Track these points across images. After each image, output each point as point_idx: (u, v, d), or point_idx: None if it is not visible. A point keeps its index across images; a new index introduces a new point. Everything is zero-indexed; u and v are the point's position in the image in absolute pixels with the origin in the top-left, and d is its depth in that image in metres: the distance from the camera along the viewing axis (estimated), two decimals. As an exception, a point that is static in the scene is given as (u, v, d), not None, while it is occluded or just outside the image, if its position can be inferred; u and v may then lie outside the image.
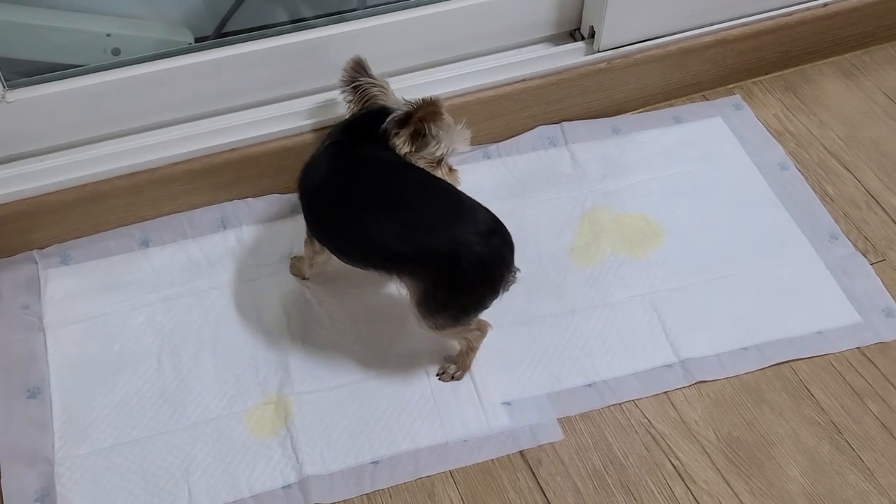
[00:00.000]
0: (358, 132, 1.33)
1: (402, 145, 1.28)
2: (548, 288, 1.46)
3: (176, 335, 1.39)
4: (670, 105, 1.77)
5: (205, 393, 1.33)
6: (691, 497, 1.23)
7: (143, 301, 1.43)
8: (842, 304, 1.44)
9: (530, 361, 1.37)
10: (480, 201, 1.25)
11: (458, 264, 1.17)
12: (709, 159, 1.66)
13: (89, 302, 1.43)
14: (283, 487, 1.23)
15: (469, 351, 1.31)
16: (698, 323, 1.41)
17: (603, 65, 1.66)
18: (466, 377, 1.35)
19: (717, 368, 1.36)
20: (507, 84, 1.62)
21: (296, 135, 1.52)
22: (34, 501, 1.21)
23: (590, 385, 1.35)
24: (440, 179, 1.31)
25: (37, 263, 1.47)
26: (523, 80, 1.63)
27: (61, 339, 1.38)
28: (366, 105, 1.35)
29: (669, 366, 1.37)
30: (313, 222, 1.30)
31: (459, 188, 1.34)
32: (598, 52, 1.65)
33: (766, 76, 1.82)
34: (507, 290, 1.24)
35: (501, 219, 1.23)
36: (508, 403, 1.32)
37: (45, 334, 1.39)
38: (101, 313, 1.42)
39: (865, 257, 1.50)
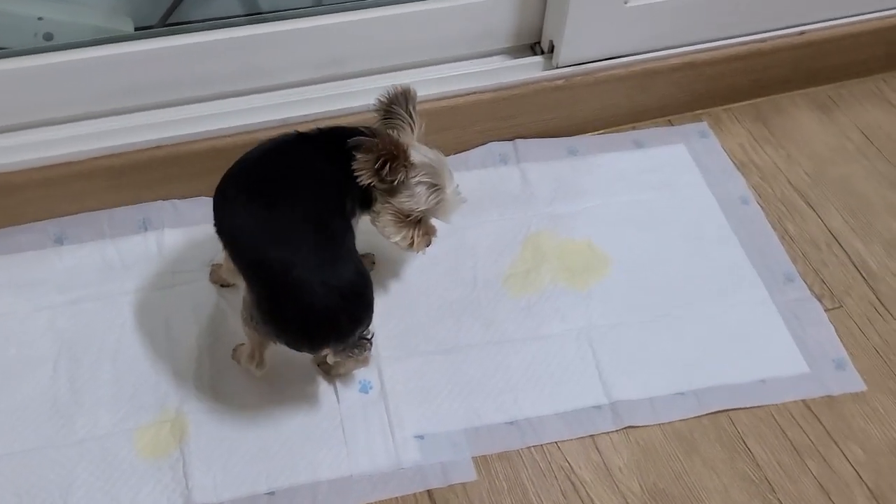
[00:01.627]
0: (320, 140, 1.24)
1: (362, 173, 1.17)
2: (479, 315, 1.37)
3: (77, 342, 1.31)
4: (633, 128, 1.69)
5: (97, 407, 1.24)
6: (604, 551, 1.14)
7: (47, 302, 1.35)
8: (790, 353, 1.36)
9: (450, 393, 1.28)
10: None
11: (282, 293, 1.11)
12: (667, 188, 1.58)
13: (-10, 300, 1.34)
14: (164, 522, 1.14)
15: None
16: (635, 363, 1.33)
17: (561, 82, 1.57)
18: (380, 404, 1.26)
19: (648, 414, 1.28)
20: (458, 96, 1.54)
21: (228, 136, 1.44)
22: None
23: (511, 423, 1.26)
24: (343, 229, 1.20)
25: (-60, 257, 1.38)
26: (475, 92, 1.55)
27: (-46, 339, 1.30)
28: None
29: (598, 407, 1.28)
30: (215, 200, 1.21)
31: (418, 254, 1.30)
32: (557, 67, 1.57)
33: (737, 104, 1.74)
34: (352, 354, 1.18)
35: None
36: (422, 437, 1.23)
37: (-63, 333, 1.30)
38: (1, 314, 1.33)
39: (821, 302, 1.42)
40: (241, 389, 1.27)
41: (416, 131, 1.27)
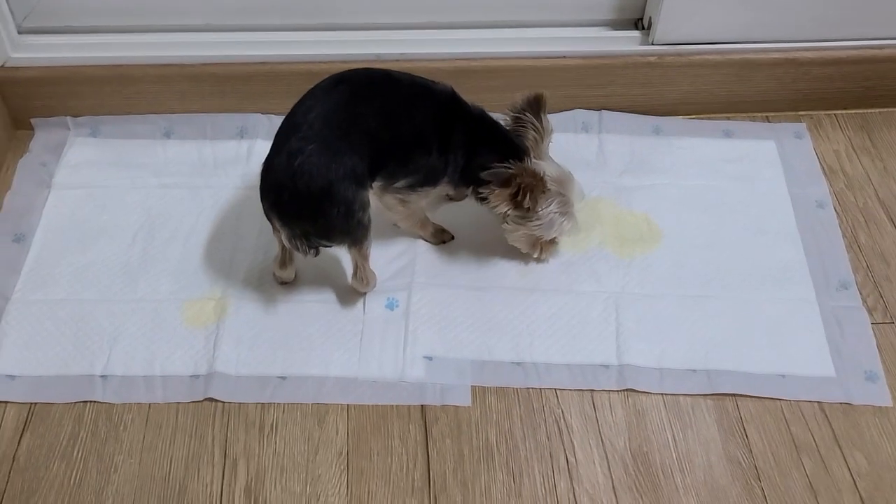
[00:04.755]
0: (449, 101, 1.30)
1: (499, 204, 1.28)
2: (518, 262, 1.43)
3: (158, 220, 1.47)
4: (727, 118, 1.68)
5: (160, 276, 1.40)
6: (571, 497, 1.18)
7: (143, 183, 1.53)
8: (820, 355, 1.33)
9: (469, 325, 1.35)
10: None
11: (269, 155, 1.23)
12: (743, 180, 1.57)
13: (97, 173, 1.54)
14: (190, 376, 1.28)
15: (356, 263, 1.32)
16: (655, 335, 1.35)
17: (653, 58, 1.59)
18: (401, 322, 1.34)
19: (654, 382, 1.30)
20: (546, 58, 1.60)
21: (324, 62, 1.55)
22: (-22, 331, 1.33)
23: (518, 363, 1.31)
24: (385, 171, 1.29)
25: (69, 130, 1.59)
26: (563, 56, 1.59)
27: (61, 199, 1.50)
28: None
29: (606, 366, 1.31)
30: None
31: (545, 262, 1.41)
32: (652, 44, 1.59)
33: (844, 111, 1.69)
34: (301, 250, 1.24)
35: None
36: (430, 358, 1.31)
37: (49, 191, 1.51)
38: (103, 185, 1.52)
39: (871, 314, 1.38)
40: (280, 286, 1.38)
41: (545, 139, 1.34)
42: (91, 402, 1.26)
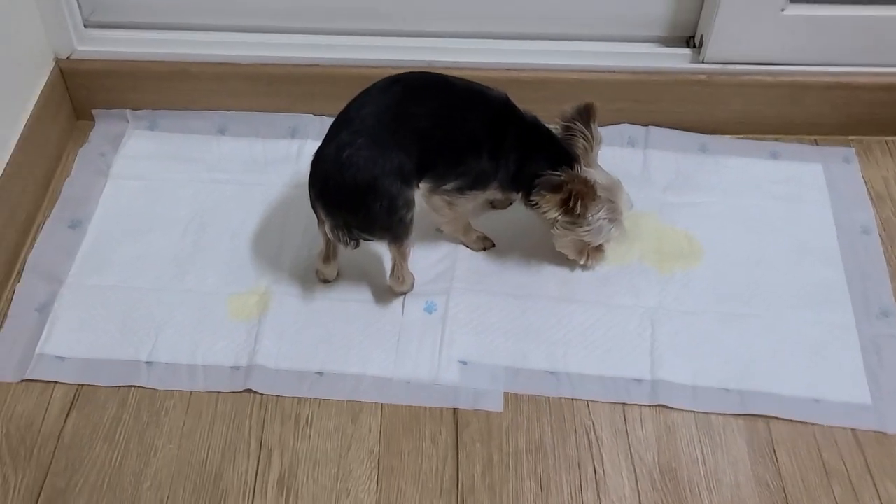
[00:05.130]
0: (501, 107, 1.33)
1: (548, 209, 1.31)
2: (558, 272, 1.45)
3: (209, 214, 1.52)
4: (776, 139, 1.68)
5: (207, 268, 1.44)
6: (599, 502, 1.20)
7: (197, 178, 1.57)
8: (857, 381, 1.33)
9: (505, 332, 1.37)
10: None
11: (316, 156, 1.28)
12: (788, 201, 1.57)
13: (154, 165, 1.59)
14: (231, 367, 1.32)
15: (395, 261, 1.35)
16: (691, 351, 1.35)
17: (702, 77, 1.60)
18: (438, 325, 1.37)
19: (687, 399, 1.30)
20: (597, 71, 1.61)
21: (377, 66, 1.58)
22: (34, 310, 1.38)
23: (552, 373, 1.33)
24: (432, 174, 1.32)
25: (128, 122, 1.64)
26: (613, 71, 1.60)
27: (118, 189, 1.55)
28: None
29: (639, 381, 1.32)
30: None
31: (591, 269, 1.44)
32: (702, 62, 1.59)
33: (894, 137, 1.67)
34: (343, 241, 1.28)
35: None
36: (465, 363, 1.33)
37: (106, 181, 1.56)
38: (158, 177, 1.57)
39: (912, 345, 1.37)
40: (323, 285, 1.42)
41: (595, 148, 1.36)
42: (135, 386, 1.30)
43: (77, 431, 1.26)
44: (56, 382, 1.31)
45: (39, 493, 1.19)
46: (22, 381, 1.30)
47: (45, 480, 1.20)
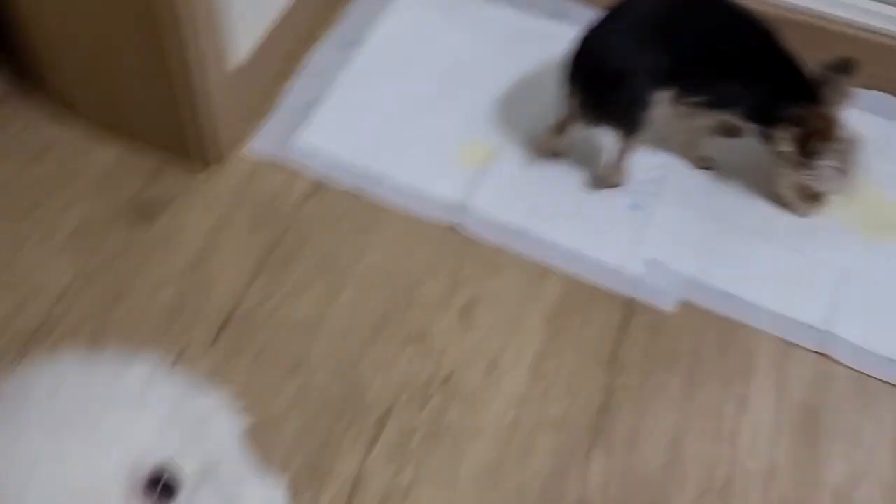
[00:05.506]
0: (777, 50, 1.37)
1: (784, 141, 1.37)
2: (767, 210, 1.50)
3: (464, 67, 1.67)
4: None
5: (450, 114, 1.60)
6: (735, 421, 1.28)
7: (460, 32, 1.72)
8: None
9: (698, 247, 1.45)
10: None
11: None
12: None
13: (429, 12, 1.75)
14: (447, 204, 1.48)
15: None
16: (872, 318, 1.38)
17: None
18: (637, 222, 1.46)
19: (852, 357, 1.34)
20: (872, 31, 1.59)
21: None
22: (304, 103, 1.59)
23: (731, 295, 1.40)
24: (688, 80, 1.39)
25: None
26: (888, 34, 1.58)
27: (396, 22, 1.73)
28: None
29: (812, 327, 1.37)
30: None
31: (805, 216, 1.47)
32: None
33: None
34: (587, 115, 1.39)
35: None
36: (653, 261, 1.43)
37: (388, 14, 1.74)
38: (433, 24, 1.73)
39: None
40: (544, 159, 1.54)
41: (844, 101, 1.38)
42: (364, 190, 1.49)
43: (310, 216, 1.46)
44: (301, 170, 1.51)
45: (269, 254, 1.41)
46: (275, 162, 1.52)
47: (276, 246, 1.42)
